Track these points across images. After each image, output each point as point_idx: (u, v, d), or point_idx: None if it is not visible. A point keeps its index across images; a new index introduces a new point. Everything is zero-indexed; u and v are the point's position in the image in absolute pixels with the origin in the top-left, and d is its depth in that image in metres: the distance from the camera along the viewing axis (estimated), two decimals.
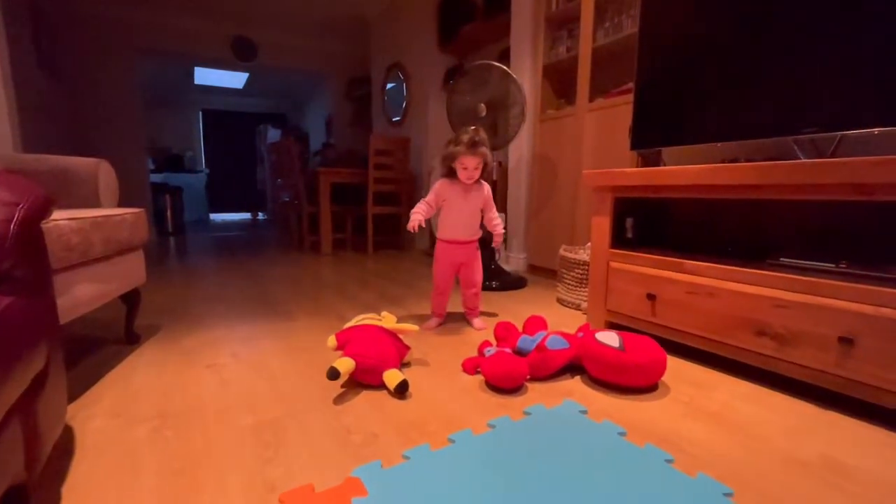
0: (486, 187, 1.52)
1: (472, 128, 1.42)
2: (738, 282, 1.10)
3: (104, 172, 1.38)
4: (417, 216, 1.44)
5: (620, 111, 1.90)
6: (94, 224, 1.06)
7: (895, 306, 0.85)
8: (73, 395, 1.04)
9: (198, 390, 1.07)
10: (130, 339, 1.39)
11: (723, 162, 1.35)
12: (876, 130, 1.02)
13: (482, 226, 1.57)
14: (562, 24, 2.28)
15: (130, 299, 1.39)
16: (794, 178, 0.99)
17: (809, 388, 1.04)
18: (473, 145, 1.38)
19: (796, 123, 1.13)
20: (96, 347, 1.37)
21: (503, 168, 2.69)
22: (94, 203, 1.37)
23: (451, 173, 1.46)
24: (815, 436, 0.87)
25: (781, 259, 1.12)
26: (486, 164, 1.44)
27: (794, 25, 1.13)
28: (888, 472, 0.75)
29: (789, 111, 1.15)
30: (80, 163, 1.35)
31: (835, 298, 0.94)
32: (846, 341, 0.91)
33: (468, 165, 1.41)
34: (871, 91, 1.01)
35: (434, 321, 1.58)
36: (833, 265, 1.02)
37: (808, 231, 1.28)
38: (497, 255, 2.37)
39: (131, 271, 1.31)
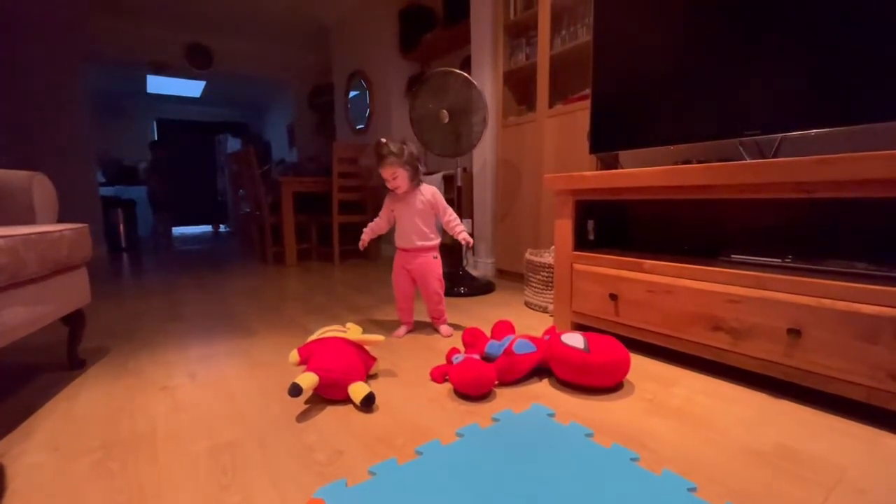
0: (428, 191, 1.50)
1: (381, 140, 1.44)
2: (693, 279, 1.14)
3: (39, 186, 1.29)
4: (364, 235, 1.55)
5: (579, 116, 1.95)
6: (26, 242, 0.98)
7: (835, 297, 0.90)
8: (5, 430, 0.95)
9: (148, 416, 1.00)
10: (74, 365, 1.29)
11: (675, 163, 1.40)
12: (812, 132, 1.08)
13: (445, 232, 1.56)
14: (520, 33, 2.32)
15: (73, 321, 1.29)
16: (742, 178, 1.03)
17: (763, 379, 1.09)
18: (379, 158, 1.43)
19: (740, 127, 1.19)
20: (34, 375, 1.27)
21: (468, 174, 2.70)
22: (29, 219, 1.27)
23: None
24: (769, 425, 0.90)
25: (732, 256, 1.16)
26: (408, 172, 1.44)
27: (736, 36, 1.19)
28: (837, 457, 0.79)
29: (734, 115, 1.20)
30: (12, 176, 1.25)
31: (782, 292, 0.98)
32: (794, 332, 0.95)
33: (386, 177, 1.45)
34: (806, 96, 1.08)
35: (402, 329, 1.56)
36: (780, 260, 1.07)
37: (757, 228, 1.34)
38: (465, 262, 2.37)
39: (73, 291, 1.22)
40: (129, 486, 0.75)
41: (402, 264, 1.55)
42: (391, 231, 1.58)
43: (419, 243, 1.51)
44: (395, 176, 1.43)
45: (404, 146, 1.43)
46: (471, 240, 1.50)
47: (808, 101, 1.07)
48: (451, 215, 1.53)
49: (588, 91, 1.68)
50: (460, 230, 1.52)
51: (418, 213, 1.49)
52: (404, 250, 1.54)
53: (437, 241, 1.55)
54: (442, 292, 1.54)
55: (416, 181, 1.48)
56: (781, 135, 1.15)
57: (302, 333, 1.57)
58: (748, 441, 0.84)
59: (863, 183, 0.88)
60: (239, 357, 1.37)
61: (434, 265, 1.53)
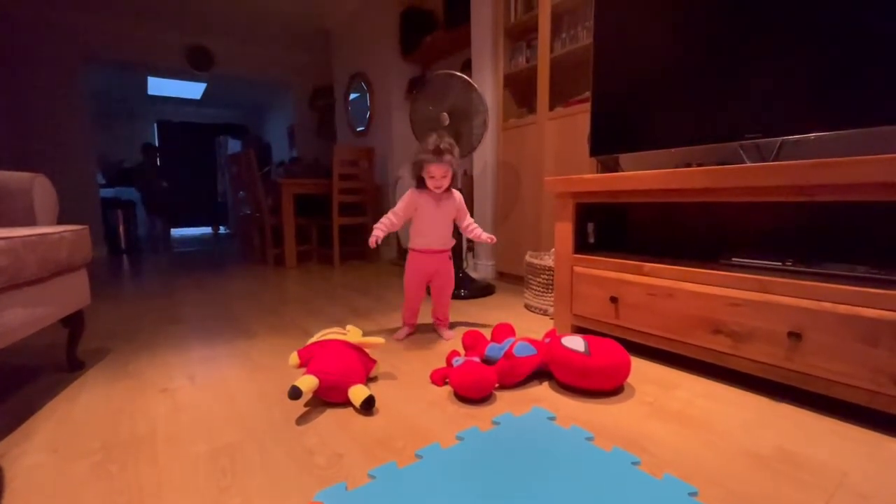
0: (458, 195, 1.51)
1: (436, 134, 1.39)
2: (694, 282, 1.14)
3: (40, 187, 1.29)
4: (377, 231, 1.44)
5: (579, 119, 1.96)
6: (26, 243, 0.98)
7: (836, 301, 0.90)
8: (4, 431, 0.95)
9: (148, 418, 1.00)
10: (73, 366, 1.29)
11: (676, 167, 1.40)
12: (812, 136, 1.08)
13: (454, 234, 1.56)
14: (521, 36, 2.33)
15: (72, 323, 1.29)
16: (742, 182, 1.03)
17: (764, 383, 1.09)
18: (439, 153, 1.36)
19: (741, 130, 1.19)
20: (33, 377, 1.26)
21: (469, 176, 2.71)
22: (30, 221, 1.27)
23: (420, 183, 1.44)
24: (770, 428, 0.90)
25: (733, 259, 1.16)
26: (454, 173, 1.42)
27: (736, 39, 1.19)
28: (837, 461, 0.79)
29: (734, 118, 1.20)
30: (13, 178, 1.25)
31: (782, 295, 0.98)
32: (795, 336, 0.95)
33: (435, 174, 1.39)
34: (806, 100, 1.08)
35: (404, 331, 1.55)
36: (780, 263, 1.07)
37: (758, 231, 1.34)
38: (465, 264, 2.37)
39: (72, 293, 1.22)
40: (129, 488, 0.75)
41: (421, 265, 1.51)
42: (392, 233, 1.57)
43: (444, 245, 1.51)
44: (446, 175, 1.40)
45: (455, 147, 1.40)
46: (493, 237, 1.48)
47: (808, 104, 1.07)
48: (470, 219, 1.54)
49: (588, 94, 1.68)
50: (479, 232, 1.51)
51: (449, 215, 1.49)
52: (426, 252, 1.49)
53: (454, 242, 1.55)
54: (452, 293, 1.55)
55: (453, 182, 1.46)
56: (782, 138, 1.15)
57: (302, 336, 1.57)
58: (749, 445, 0.84)
59: (862, 186, 0.88)
60: (239, 359, 1.36)
61: (451, 265, 1.54)
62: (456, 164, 1.41)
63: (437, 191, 1.43)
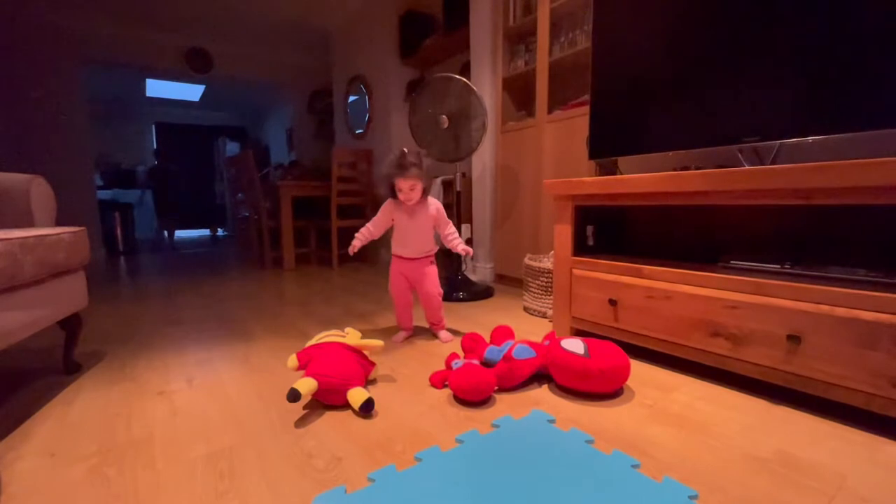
0: (434, 205, 1.52)
1: (403, 150, 1.42)
2: (693, 285, 1.14)
3: (38, 189, 1.28)
4: (356, 241, 1.50)
5: (578, 122, 1.96)
6: (23, 245, 0.97)
7: (834, 303, 0.90)
8: (0, 435, 0.94)
9: (145, 421, 0.99)
10: (70, 369, 1.28)
11: (674, 170, 1.41)
12: (809, 139, 1.09)
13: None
14: (520, 39, 2.34)
15: (69, 325, 1.29)
16: (739, 185, 1.03)
17: (763, 386, 1.09)
18: (401, 168, 1.39)
19: (739, 133, 1.19)
20: (29, 380, 1.26)
21: (467, 179, 2.71)
22: (28, 222, 1.26)
23: (394, 194, 1.46)
24: (770, 432, 0.90)
25: (731, 262, 1.17)
26: (424, 184, 1.44)
27: (735, 43, 1.20)
28: (839, 464, 0.79)
29: (732, 122, 1.21)
30: (10, 179, 1.25)
31: (781, 298, 0.98)
32: (794, 339, 0.95)
33: (402, 188, 1.42)
34: (803, 104, 1.08)
35: (402, 334, 1.55)
36: (779, 266, 1.08)
37: (756, 234, 1.35)
38: (464, 266, 2.37)
39: (70, 295, 1.22)
40: (126, 492, 0.74)
41: (401, 272, 1.54)
42: (387, 235, 1.58)
43: (422, 253, 1.53)
44: (414, 188, 1.42)
45: (423, 158, 1.43)
46: (470, 250, 1.52)
47: (806, 108, 1.08)
48: (451, 229, 1.55)
49: (587, 97, 1.69)
50: (458, 243, 1.53)
51: (424, 225, 1.50)
52: (405, 259, 1.53)
53: (435, 249, 1.57)
54: (441, 298, 1.54)
55: (426, 193, 1.49)
56: (780, 141, 1.15)
57: (300, 338, 1.56)
58: (749, 448, 0.84)
59: (860, 190, 0.88)
60: (237, 362, 1.36)
61: (433, 271, 1.55)
62: (423, 176, 1.43)
63: (408, 202, 1.45)
